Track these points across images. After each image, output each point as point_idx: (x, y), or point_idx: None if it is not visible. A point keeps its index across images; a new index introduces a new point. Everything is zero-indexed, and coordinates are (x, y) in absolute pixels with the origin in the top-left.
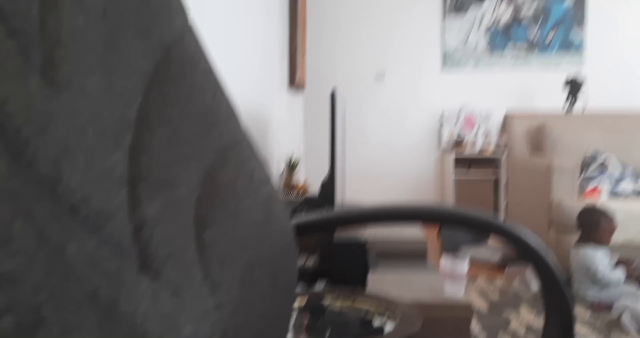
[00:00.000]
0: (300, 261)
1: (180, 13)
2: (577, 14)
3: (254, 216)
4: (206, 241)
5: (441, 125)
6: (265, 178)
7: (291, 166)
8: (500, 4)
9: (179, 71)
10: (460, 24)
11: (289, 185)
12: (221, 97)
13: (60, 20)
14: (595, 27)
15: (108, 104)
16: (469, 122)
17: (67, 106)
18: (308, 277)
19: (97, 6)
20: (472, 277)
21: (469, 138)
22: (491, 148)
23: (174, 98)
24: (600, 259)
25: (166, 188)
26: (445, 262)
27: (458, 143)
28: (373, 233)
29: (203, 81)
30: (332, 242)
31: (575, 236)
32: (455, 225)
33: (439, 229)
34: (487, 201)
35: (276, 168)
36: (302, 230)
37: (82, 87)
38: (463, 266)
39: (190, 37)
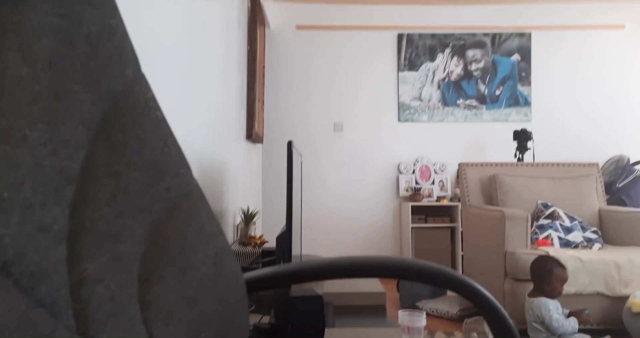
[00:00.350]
0: (255, 319)
1: (132, 63)
2: (522, 72)
3: (203, 272)
4: (151, 299)
5: (398, 175)
6: (216, 231)
7: (247, 218)
8: (451, 61)
9: (128, 121)
10: (414, 79)
11: (245, 238)
12: (172, 148)
13: (3, 72)
14: (540, 84)
15: (50, 155)
16: (425, 172)
17: (5, 157)
18: (263, 335)
19: (43, 57)
20: (430, 331)
21: (425, 187)
22: (447, 197)
23: (121, 149)
24: (554, 308)
25: (110, 243)
26: (403, 315)
27: (415, 193)
28: (331, 285)
29: (153, 132)
30: (287, 298)
31: (529, 286)
32: (411, 279)
33: (398, 282)
34: (444, 250)
35: (232, 220)
36: (256, 286)
37: (24, 137)
38: (421, 319)
39: (141, 88)
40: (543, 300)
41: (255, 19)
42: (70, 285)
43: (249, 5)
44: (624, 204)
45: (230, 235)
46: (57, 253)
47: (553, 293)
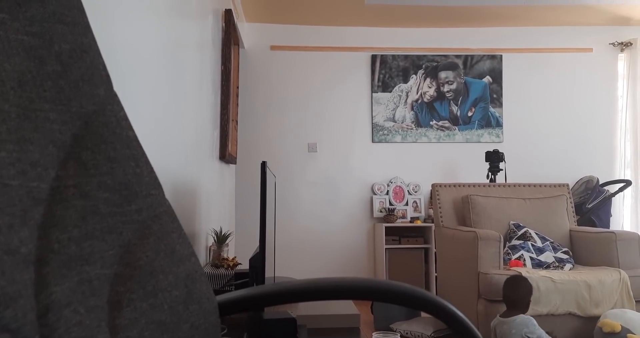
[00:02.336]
0: None
1: (104, 82)
2: (494, 93)
3: (174, 295)
4: (121, 323)
5: (372, 196)
6: (188, 253)
7: (220, 240)
8: (423, 82)
9: (99, 141)
10: (387, 100)
11: (218, 260)
12: (144, 168)
13: None
14: (511, 105)
15: (18, 176)
16: (399, 193)
17: None
18: None
19: (13, 75)
20: None
21: (399, 208)
22: (421, 218)
23: (92, 169)
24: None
25: (79, 265)
26: None
27: (389, 214)
28: (304, 307)
29: (125, 152)
30: (261, 320)
31: (503, 306)
32: (385, 301)
33: (372, 303)
34: (418, 271)
35: (204, 242)
36: (228, 308)
37: None
38: None
39: (113, 107)
40: (526, 317)
41: (230, 39)
42: (37, 310)
43: (223, 25)
44: (593, 224)
45: (203, 257)
46: (24, 276)
47: (526, 311)
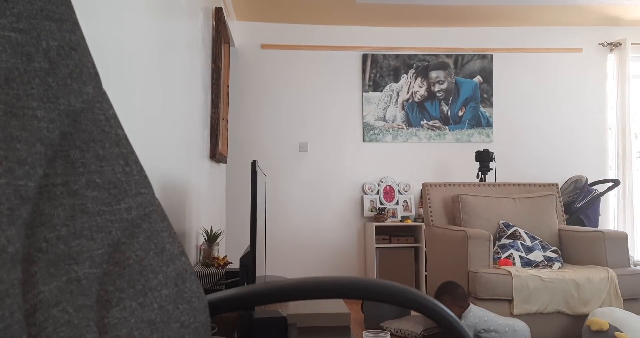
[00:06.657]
0: None
1: (93, 80)
2: (484, 93)
3: (164, 294)
4: (110, 322)
5: (363, 196)
6: (178, 252)
7: (211, 239)
8: (414, 82)
9: (88, 139)
10: (378, 99)
11: (208, 259)
12: (133, 167)
13: None
14: (501, 105)
15: (5, 174)
16: (390, 192)
17: None
18: None
19: (0, 72)
20: None
21: (389, 208)
22: (411, 217)
23: (80, 168)
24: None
25: (67, 264)
26: (368, 336)
27: (380, 213)
28: (295, 306)
29: (114, 150)
30: (251, 319)
31: (492, 305)
32: (375, 300)
33: (362, 302)
34: (408, 270)
35: (195, 241)
36: (218, 307)
37: None
38: None
39: (102, 105)
40: (476, 307)
41: (220, 37)
42: (25, 309)
43: (214, 23)
44: (582, 224)
45: (193, 256)
46: (11, 275)
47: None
